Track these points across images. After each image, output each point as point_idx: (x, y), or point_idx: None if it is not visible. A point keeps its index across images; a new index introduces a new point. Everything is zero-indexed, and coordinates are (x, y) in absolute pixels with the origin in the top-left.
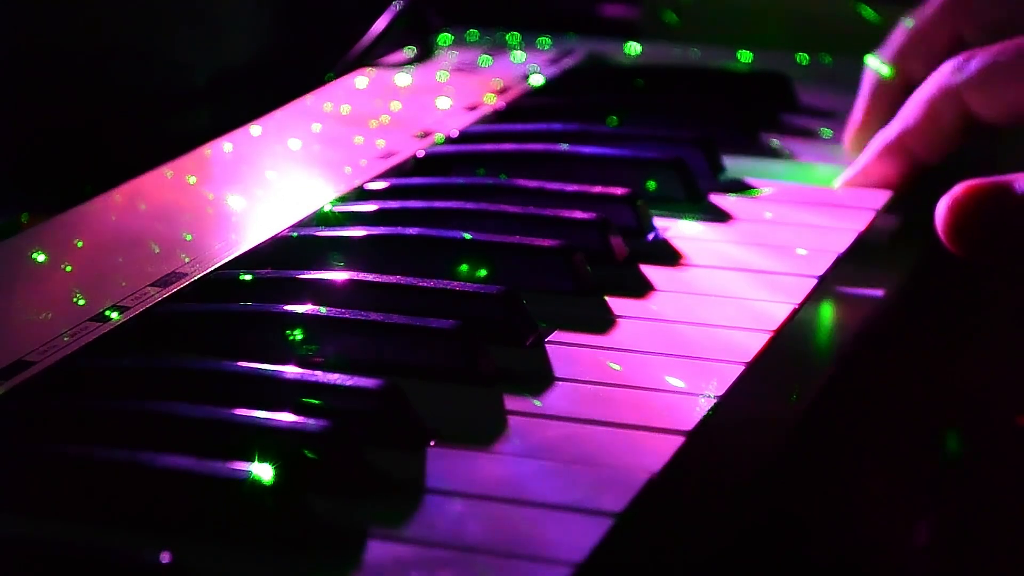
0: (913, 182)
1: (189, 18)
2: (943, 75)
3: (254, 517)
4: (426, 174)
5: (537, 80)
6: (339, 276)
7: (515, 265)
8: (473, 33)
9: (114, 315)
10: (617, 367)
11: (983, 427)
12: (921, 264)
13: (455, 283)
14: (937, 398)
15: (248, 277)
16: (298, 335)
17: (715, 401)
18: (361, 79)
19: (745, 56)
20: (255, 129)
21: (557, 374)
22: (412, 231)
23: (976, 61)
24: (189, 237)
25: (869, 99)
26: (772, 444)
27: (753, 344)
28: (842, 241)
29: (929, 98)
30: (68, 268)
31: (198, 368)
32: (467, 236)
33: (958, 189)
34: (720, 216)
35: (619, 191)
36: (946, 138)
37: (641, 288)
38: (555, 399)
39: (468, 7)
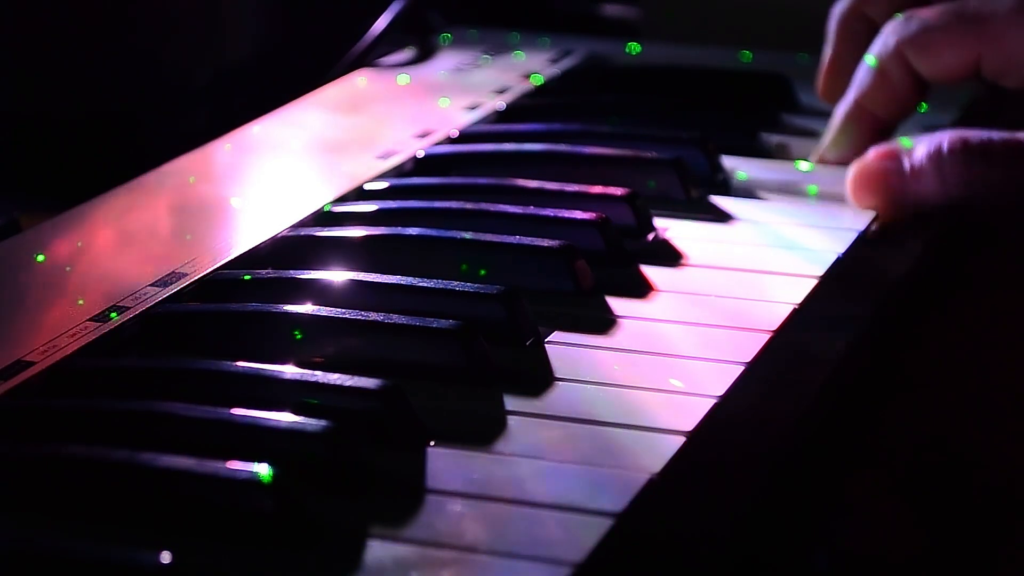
0: (878, 140)
1: (189, 17)
2: (885, 36)
3: (254, 517)
4: (426, 174)
5: (537, 80)
6: (339, 276)
7: (515, 265)
8: (473, 33)
9: (114, 315)
10: (617, 367)
11: (985, 427)
12: (922, 261)
13: (455, 283)
14: (940, 398)
15: (248, 277)
16: (298, 335)
17: (715, 401)
18: (361, 79)
19: (745, 56)
20: (255, 129)
21: (557, 374)
22: (412, 231)
23: (914, 23)
24: (189, 237)
25: (836, 43)
26: (772, 444)
27: (753, 344)
28: (842, 241)
29: (876, 60)
30: (68, 268)
31: (198, 368)
32: (467, 236)
33: (870, 154)
34: (720, 216)
35: (619, 191)
36: (900, 97)
37: (641, 288)
38: (555, 399)
39: (468, 7)
